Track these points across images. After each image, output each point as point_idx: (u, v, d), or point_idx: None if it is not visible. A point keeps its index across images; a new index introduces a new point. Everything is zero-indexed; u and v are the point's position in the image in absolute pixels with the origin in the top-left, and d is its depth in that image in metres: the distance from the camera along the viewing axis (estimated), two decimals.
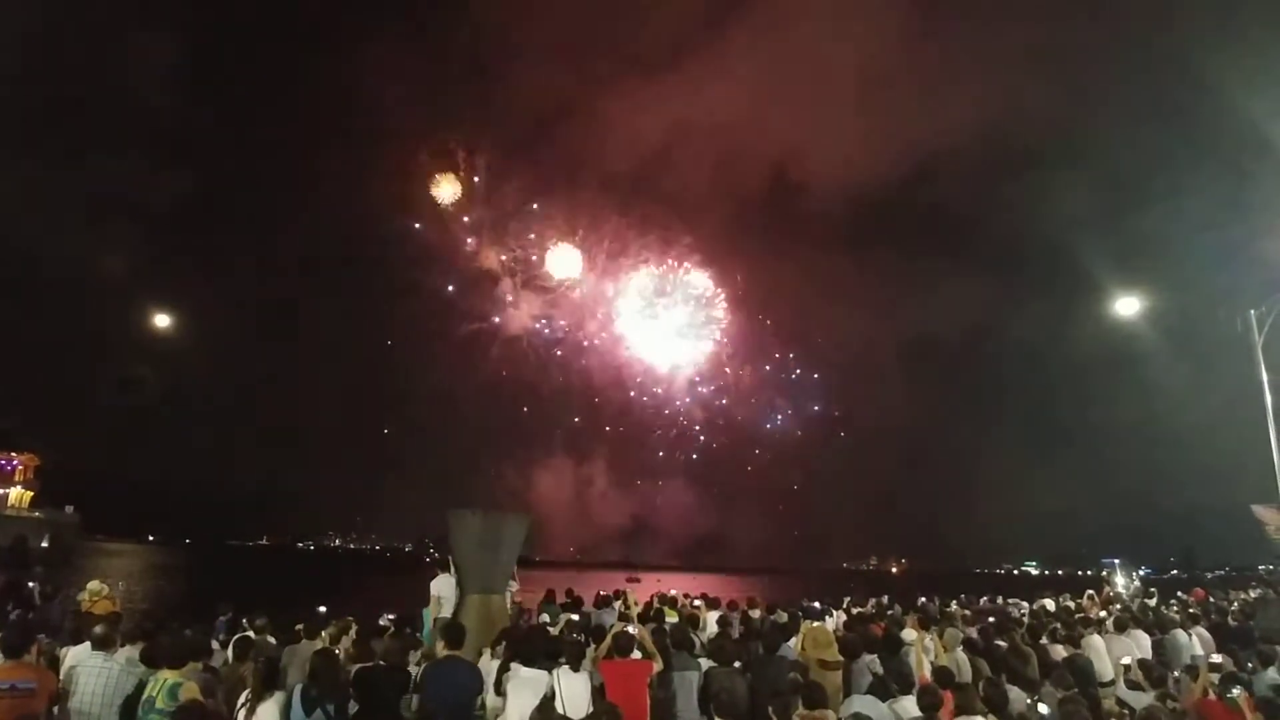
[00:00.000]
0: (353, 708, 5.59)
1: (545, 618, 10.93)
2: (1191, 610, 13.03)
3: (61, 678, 5.78)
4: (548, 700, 5.76)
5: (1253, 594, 17.46)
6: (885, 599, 15.46)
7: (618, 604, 11.10)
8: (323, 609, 8.63)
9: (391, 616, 9.89)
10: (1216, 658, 8.32)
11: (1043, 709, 5.41)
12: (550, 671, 6.14)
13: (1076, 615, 12.95)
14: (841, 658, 7.50)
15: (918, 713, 5.65)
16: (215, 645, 7.93)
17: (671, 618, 10.27)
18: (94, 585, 10.41)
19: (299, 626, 8.40)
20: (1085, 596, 16.05)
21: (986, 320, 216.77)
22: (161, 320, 30.43)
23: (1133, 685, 7.34)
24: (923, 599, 15.63)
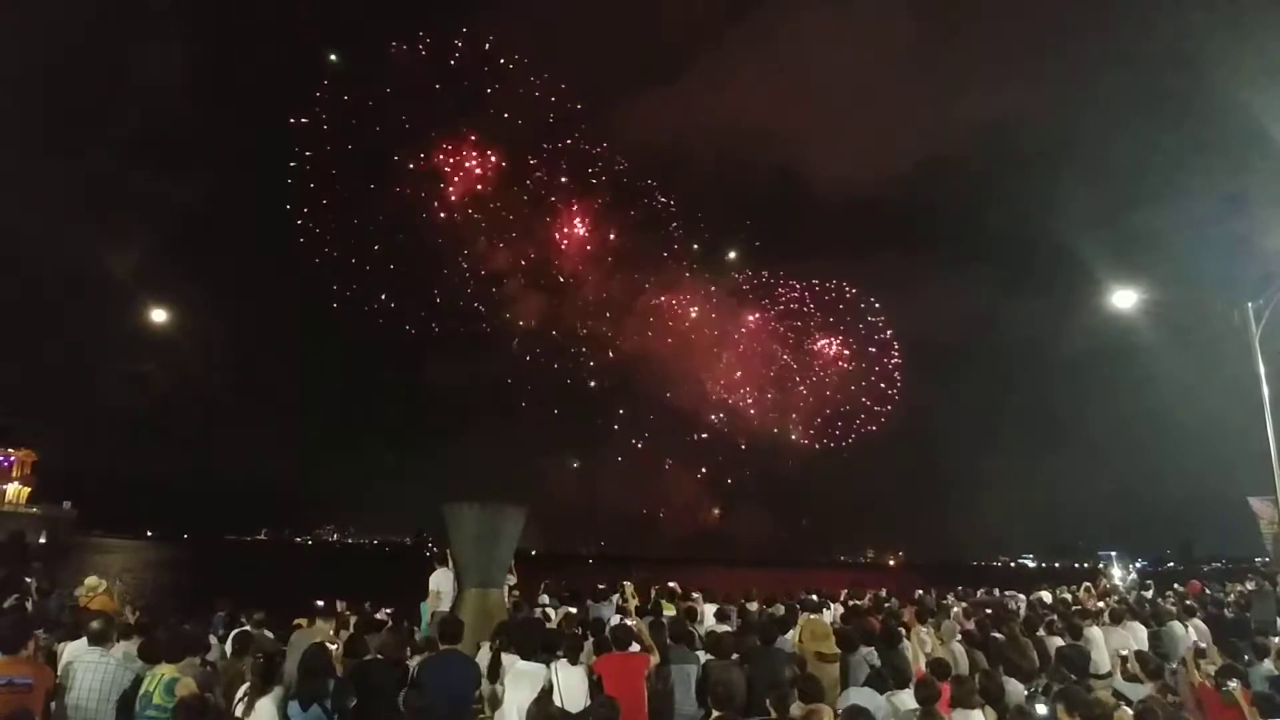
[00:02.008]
0: (350, 702, 5.58)
1: (545, 599, 11.02)
2: (1188, 602, 13.05)
3: (59, 673, 5.77)
4: (545, 694, 5.77)
5: (1249, 586, 17.48)
6: (883, 591, 15.48)
7: (615, 597, 11.11)
8: (320, 603, 8.62)
9: (389, 611, 9.90)
10: (1202, 644, 8.35)
11: (1040, 709, 5.42)
12: (548, 665, 6.14)
13: (1073, 607, 12.98)
14: (839, 650, 7.51)
15: (915, 705, 5.66)
16: (213, 640, 7.92)
17: (669, 611, 10.27)
18: (91, 580, 10.39)
19: (297, 621, 8.41)
20: (1082, 589, 16.06)
21: (985, 315, 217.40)
22: (159, 316, 30.25)
23: (1130, 677, 7.36)
24: (920, 592, 15.65)
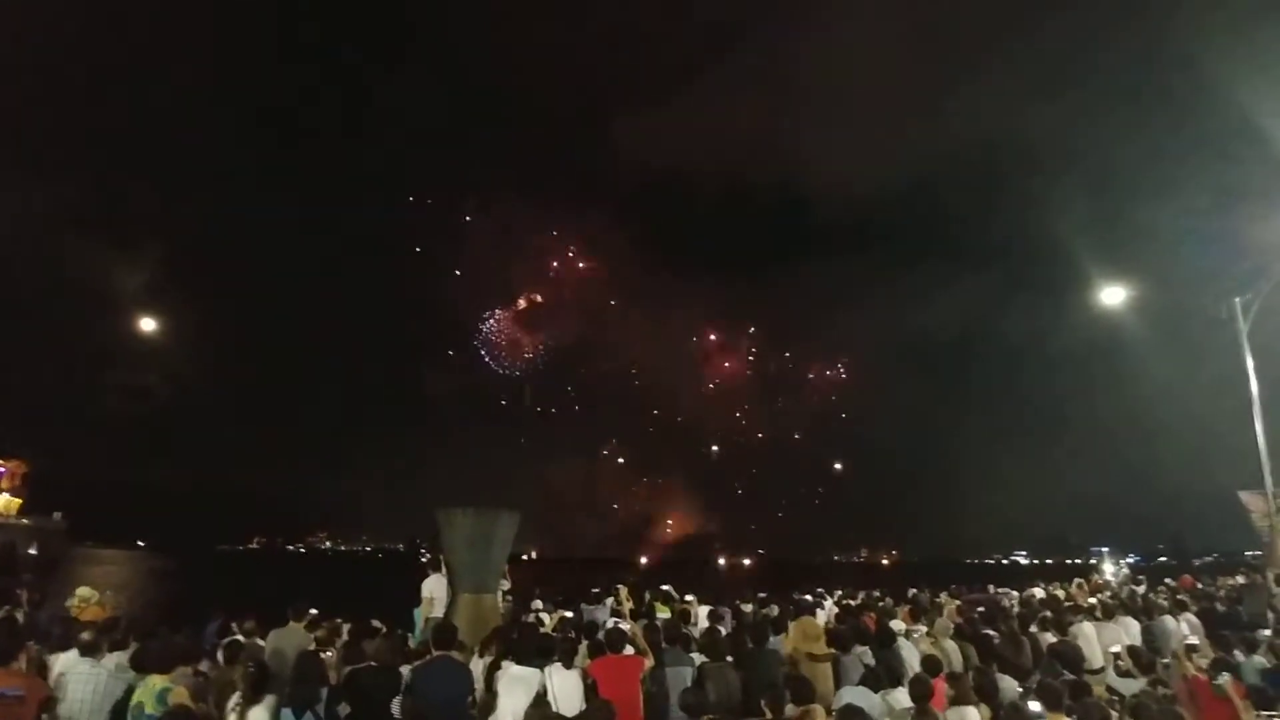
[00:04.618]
0: (344, 709, 5.57)
1: (539, 603, 11.00)
2: (1180, 597, 13.12)
3: (50, 684, 5.74)
4: (541, 697, 5.76)
5: (1240, 580, 17.59)
6: (876, 592, 15.49)
7: (610, 600, 11.11)
8: (314, 611, 8.58)
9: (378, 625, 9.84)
10: (1193, 639, 8.40)
11: (1034, 706, 5.44)
12: (542, 669, 6.13)
13: (1065, 604, 13.02)
14: (830, 650, 7.51)
15: (909, 704, 5.67)
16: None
17: (663, 613, 10.28)
18: (84, 591, 10.32)
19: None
20: (1074, 585, 16.11)
21: (978, 314, 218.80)
22: (150, 326, 30.04)
23: (1122, 673, 7.39)
24: (913, 590, 15.69)
